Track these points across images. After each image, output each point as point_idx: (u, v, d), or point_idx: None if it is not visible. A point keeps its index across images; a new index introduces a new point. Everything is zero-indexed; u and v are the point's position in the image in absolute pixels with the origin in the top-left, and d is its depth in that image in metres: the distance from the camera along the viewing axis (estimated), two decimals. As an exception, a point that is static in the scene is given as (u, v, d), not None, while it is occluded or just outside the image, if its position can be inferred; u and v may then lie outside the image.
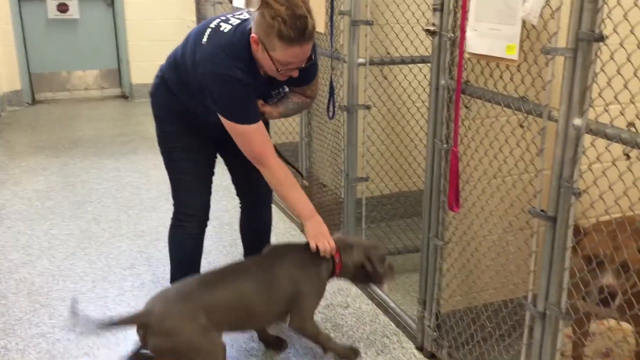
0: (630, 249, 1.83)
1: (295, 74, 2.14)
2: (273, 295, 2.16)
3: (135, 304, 2.89)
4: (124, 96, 7.42)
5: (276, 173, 2.23)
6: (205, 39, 2.16)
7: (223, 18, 2.23)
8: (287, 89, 2.34)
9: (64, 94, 7.33)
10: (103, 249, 3.47)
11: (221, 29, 2.17)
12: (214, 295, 2.09)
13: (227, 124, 2.17)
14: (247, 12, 2.21)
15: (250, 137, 2.18)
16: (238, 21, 2.18)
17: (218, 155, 2.57)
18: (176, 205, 2.54)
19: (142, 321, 2.03)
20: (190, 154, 2.44)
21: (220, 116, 2.17)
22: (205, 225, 2.57)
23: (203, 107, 2.24)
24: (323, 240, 2.23)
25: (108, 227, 3.78)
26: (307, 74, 2.26)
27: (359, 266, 2.31)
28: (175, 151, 2.44)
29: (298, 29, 1.96)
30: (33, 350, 2.53)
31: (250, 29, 2.08)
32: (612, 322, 2.12)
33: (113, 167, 4.90)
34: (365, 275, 2.34)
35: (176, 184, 2.50)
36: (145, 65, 7.19)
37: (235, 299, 2.12)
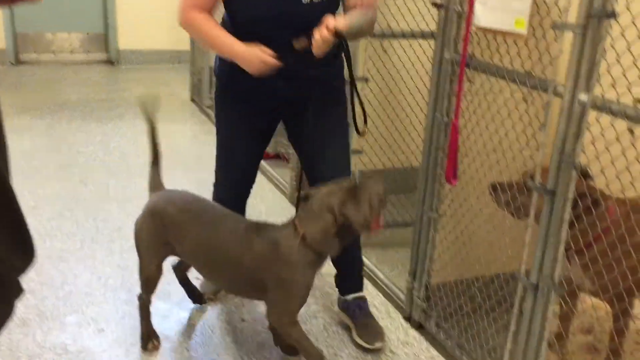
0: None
1: None
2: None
3: (125, 265, 2.88)
4: (109, 61, 7.31)
5: (196, 26, 2.07)
6: None
7: None
8: None
9: (49, 56, 7.19)
10: (90, 211, 3.45)
11: None
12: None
13: None
14: None
15: None
16: None
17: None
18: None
19: None
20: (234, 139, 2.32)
21: None
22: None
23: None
24: (266, 67, 2.01)
25: (95, 190, 3.75)
26: None
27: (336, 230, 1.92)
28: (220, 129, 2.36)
29: None
30: (21, 304, 2.52)
31: None
32: (595, 299, 2.18)
33: (100, 132, 4.84)
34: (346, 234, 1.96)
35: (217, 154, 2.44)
36: (134, 30, 7.07)
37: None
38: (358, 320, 2.40)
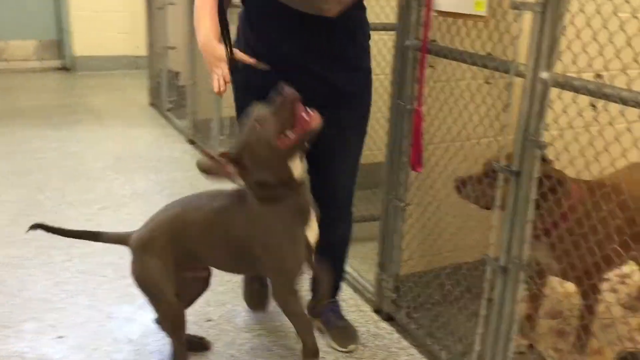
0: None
1: None
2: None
3: (84, 269, 2.79)
4: (65, 68, 7.13)
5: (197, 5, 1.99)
6: None
7: None
8: None
9: (1, 64, 6.98)
10: (48, 216, 3.32)
11: None
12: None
13: None
14: None
15: None
16: None
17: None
18: None
19: None
20: None
21: None
22: None
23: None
24: (216, 71, 1.95)
25: (52, 196, 3.63)
26: None
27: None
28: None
29: None
30: (-25, 314, 2.41)
31: None
32: (564, 283, 2.19)
33: (56, 138, 4.70)
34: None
35: None
36: (89, 36, 6.91)
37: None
38: (332, 324, 2.35)
